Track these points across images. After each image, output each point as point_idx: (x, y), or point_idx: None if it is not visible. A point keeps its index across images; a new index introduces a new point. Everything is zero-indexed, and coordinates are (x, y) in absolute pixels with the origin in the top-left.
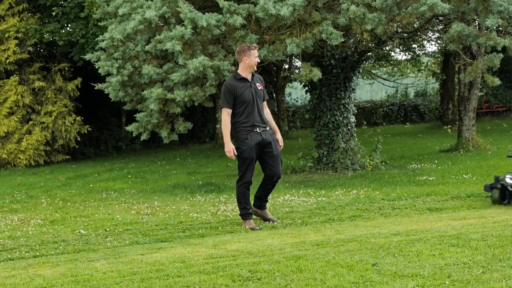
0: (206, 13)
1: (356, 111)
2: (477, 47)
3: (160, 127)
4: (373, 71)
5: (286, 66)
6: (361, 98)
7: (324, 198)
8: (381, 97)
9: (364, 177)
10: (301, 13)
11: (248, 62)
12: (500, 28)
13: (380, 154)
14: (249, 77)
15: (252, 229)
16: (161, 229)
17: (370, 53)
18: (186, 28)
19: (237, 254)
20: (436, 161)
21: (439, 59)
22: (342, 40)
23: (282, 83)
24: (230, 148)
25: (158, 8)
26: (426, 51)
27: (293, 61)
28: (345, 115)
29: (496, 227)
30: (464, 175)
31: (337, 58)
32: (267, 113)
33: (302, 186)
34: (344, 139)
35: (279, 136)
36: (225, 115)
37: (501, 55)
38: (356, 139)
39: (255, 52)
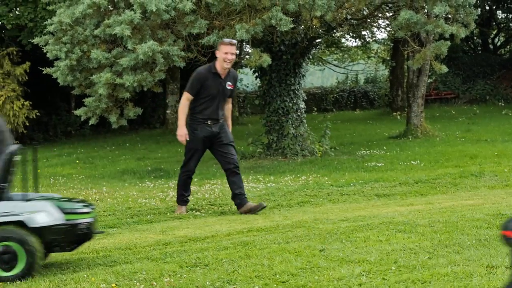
0: None
1: (306, 97)
2: (426, 35)
3: (109, 112)
4: (323, 58)
5: (237, 52)
6: (312, 84)
7: (273, 184)
8: (332, 84)
9: (313, 163)
10: None
11: (219, 57)
12: (448, 16)
13: (329, 140)
14: (223, 74)
15: (180, 213)
16: (109, 215)
17: (320, 40)
18: (135, 13)
19: (185, 240)
20: (385, 148)
21: (389, 46)
22: (292, 26)
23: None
24: (183, 133)
25: None
26: (376, 38)
27: (243, 47)
28: (294, 101)
29: (443, 213)
30: (412, 162)
31: (287, 44)
32: (227, 108)
33: (252, 172)
34: (293, 125)
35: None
36: (185, 99)
37: (448, 42)
38: (306, 125)
39: (225, 47)
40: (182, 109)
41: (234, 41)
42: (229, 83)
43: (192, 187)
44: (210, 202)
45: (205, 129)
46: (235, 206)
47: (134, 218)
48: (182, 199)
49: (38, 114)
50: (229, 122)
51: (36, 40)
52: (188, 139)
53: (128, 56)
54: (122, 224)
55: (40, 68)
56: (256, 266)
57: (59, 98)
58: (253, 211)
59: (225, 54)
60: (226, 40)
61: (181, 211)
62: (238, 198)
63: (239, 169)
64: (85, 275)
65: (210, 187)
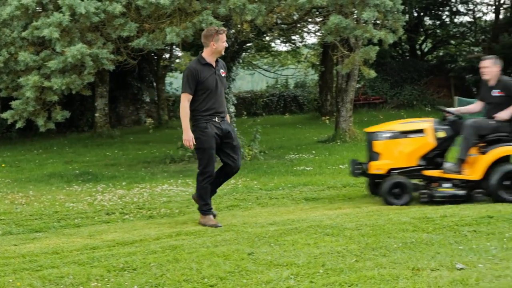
0: (85, 0)
1: (236, 101)
2: (355, 40)
3: (37, 115)
4: (254, 62)
5: (167, 55)
6: (242, 88)
7: None
8: (262, 88)
9: (243, 167)
10: (181, 2)
11: (216, 48)
12: (377, 21)
13: (259, 144)
14: (214, 63)
15: (213, 226)
16: (35, 219)
17: (250, 44)
18: (64, 15)
19: (113, 244)
20: (313, 152)
21: (318, 51)
22: None
23: (162, 72)
24: (189, 137)
25: None
26: (306, 43)
27: (173, 50)
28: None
29: (370, 216)
30: (340, 166)
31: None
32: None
33: (181, 175)
34: None
35: None
36: (185, 101)
37: (377, 47)
38: (236, 129)
39: (223, 37)
40: (184, 112)
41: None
42: (222, 70)
43: (120, 191)
44: (138, 206)
45: (214, 126)
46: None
47: (61, 222)
48: (208, 208)
49: None
50: (227, 117)
51: None
52: (195, 143)
53: (57, 59)
54: (49, 228)
55: None
56: (184, 270)
57: None
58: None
59: (223, 43)
60: (221, 29)
61: (211, 221)
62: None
63: (236, 172)
64: (11, 280)
65: (139, 190)
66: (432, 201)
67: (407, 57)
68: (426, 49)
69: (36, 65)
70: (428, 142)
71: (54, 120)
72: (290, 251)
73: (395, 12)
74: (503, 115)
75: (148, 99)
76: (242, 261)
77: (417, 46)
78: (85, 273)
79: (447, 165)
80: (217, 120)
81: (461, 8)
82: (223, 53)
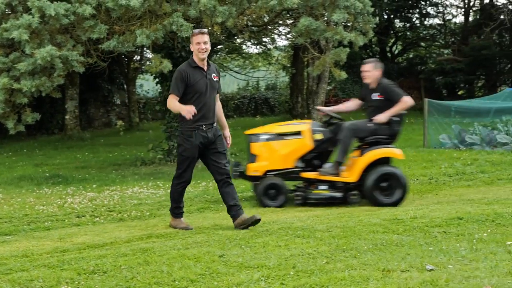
0: (55, 2)
1: None
2: (325, 42)
3: (6, 117)
4: (224, 64)
5: (138, 57)
6: None
7: None
8: (233, 90)
9: None
10: (152, 4)
11: (193, 50)
12: (347, 24)
13: (230, 146)
14: (204, 67)
15: (184, 228)
16: (5, 222)
17: (221, 46)
18: (33, 17)
19: (83, 247)
20: None
21: (289, 53)
22: None
23: (133, 75)
24: (186, 108)
25: None
26: (277, 45)
27: (144, 52)
28: None
29: (341, 218)
30: None
31: (188, 50)
32: (218, 106)
33: (152, 178)
34: None
35: (227, 133)
36: (172, 101)
37: (347, 49)
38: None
39: (196, 38)
40: (172, 101)
41: (204, 30)
42: (214, 74)
43: (91, 194)
44: (109, 208)
45: (200, 135)
46: (232, 218)
47: (31, 225)
48: (179, 211)
49: None
50: (223, 120)
51: None
52: (188, 119)
53: (26, 61)
54: (18, 231)
55: None
56: (155, 273)
57: None
58: (246, 223)
59: (198, 45)
60: (196, 30)
61: (182, 224)
62: (233, 209)
63: (231, 179)
64: None
65: (109, 193)
66: (307, 203)
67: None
68: (396, 51)
69: (6, 67)
70: (305, 144)
71: (24, 123)
72: (261, 253)
73: (365, 14)
74: (381, 117)
75: (118, 101)
76: (213, 264)
77: (388, 48)
78: (55, 276)
79: (325, 167)
80: (204, 129)
81: (431, 10)
82: (202, 56)
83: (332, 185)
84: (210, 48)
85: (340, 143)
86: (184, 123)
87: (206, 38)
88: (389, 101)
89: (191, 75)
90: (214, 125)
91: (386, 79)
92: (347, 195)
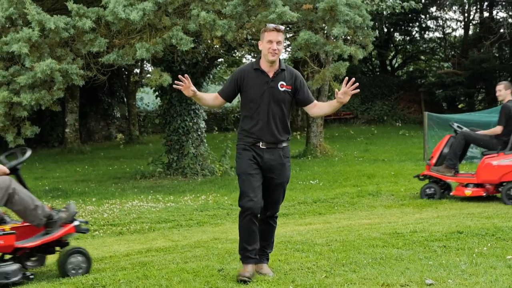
0: (55, 16)
1: (206, 116)
2: (325, 55)
3: (6, 130)
4: (224, 77)
5: (137, 71)
6: None
7: (173, 204)
8: (233, 103)
9: (214, 183)
10: (151, 18)
11: (262, 49)
12: (347, 37)
13: (229, 159)
14: (270, 71)
15: (242, 279)
16: None
17: (220, 59)
18: (33, 30)
19: None
20: None
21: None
22: (192, 45)
23: (133, 88)
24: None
25: (5, 9)
26: None
27: (144, 65)
28: (195, 121)
29: (340, 232)
30: (311, 181)
31: (188, 64)
32: (319, 106)
33: (151, 191)
34: (194, 145)
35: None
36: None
37: (347, 63)
38: (206, 144)
39: (269, 34)
40: (206, 94)
41: (281, 27)
42: (282, 83)
43: (90, 207)
44: (108, 222)
45: (254, 151)
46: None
47: None
48: (245, 254)
49: None
50: (330, 103)
51: None
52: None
53: (26, 74)
54: None
55: None
56: (154, 287)
57: None
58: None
59: (269, 44)
60: (270, 25)
61: (246, 272)
62: (260, 254)
63: (277, 219)
64: None
65: (109, 206)
66: None
67: (378, 73)
68: (396, 65)
69: (5, 81)
70: None
71: (23, 136)
72: None
73: (365, 28)
74: None
75: (118, 115)
76: (212, 278)
77: (387, 62)
78: None
79: None
80: (261, 146)
81: (431, 24)
82: (271, 58)
83: None
84: (282, 50)
85: None
86: (240, 137)
87: (281, 37)
88: None
89: (246, 79)
90: (280, 146)
91: None
92: None
